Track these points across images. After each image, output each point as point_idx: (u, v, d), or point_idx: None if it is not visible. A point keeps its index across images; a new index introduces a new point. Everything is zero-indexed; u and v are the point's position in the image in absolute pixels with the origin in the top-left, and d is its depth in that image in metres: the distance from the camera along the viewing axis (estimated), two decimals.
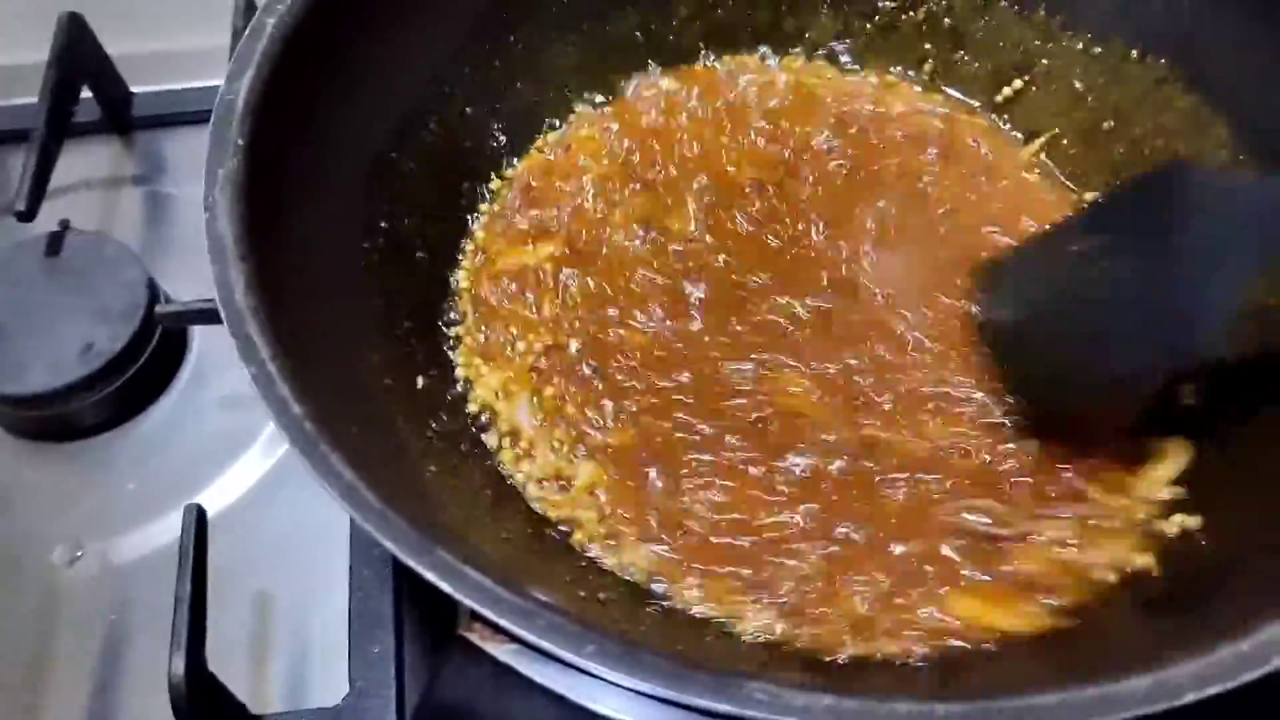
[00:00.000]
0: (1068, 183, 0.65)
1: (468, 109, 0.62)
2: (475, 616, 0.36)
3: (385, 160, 0.57)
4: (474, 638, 0.35)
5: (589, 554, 0.51)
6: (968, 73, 0.69)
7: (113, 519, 0.66)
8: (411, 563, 0.35)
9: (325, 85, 0.52)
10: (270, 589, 0.63)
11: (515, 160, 0.65)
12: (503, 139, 0.64)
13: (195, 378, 0.71)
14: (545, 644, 0.34)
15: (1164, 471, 0.52)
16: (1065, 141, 0.66)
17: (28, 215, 0.67)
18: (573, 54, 0.66)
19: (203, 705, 0.51)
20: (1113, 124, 0.63)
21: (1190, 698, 0.34)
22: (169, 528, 0.63)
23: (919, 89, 0.69)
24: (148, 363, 0.68)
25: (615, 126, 0.66)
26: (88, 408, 0.67)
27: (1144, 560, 0.49)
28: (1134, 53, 0.62)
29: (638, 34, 0.68)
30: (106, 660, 0.61)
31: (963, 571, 0.50)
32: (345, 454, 0.39)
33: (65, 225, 0.71)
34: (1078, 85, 0.65)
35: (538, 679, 0.35)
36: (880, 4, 0.69)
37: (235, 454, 0.68)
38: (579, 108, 0.68)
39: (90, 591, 0.63)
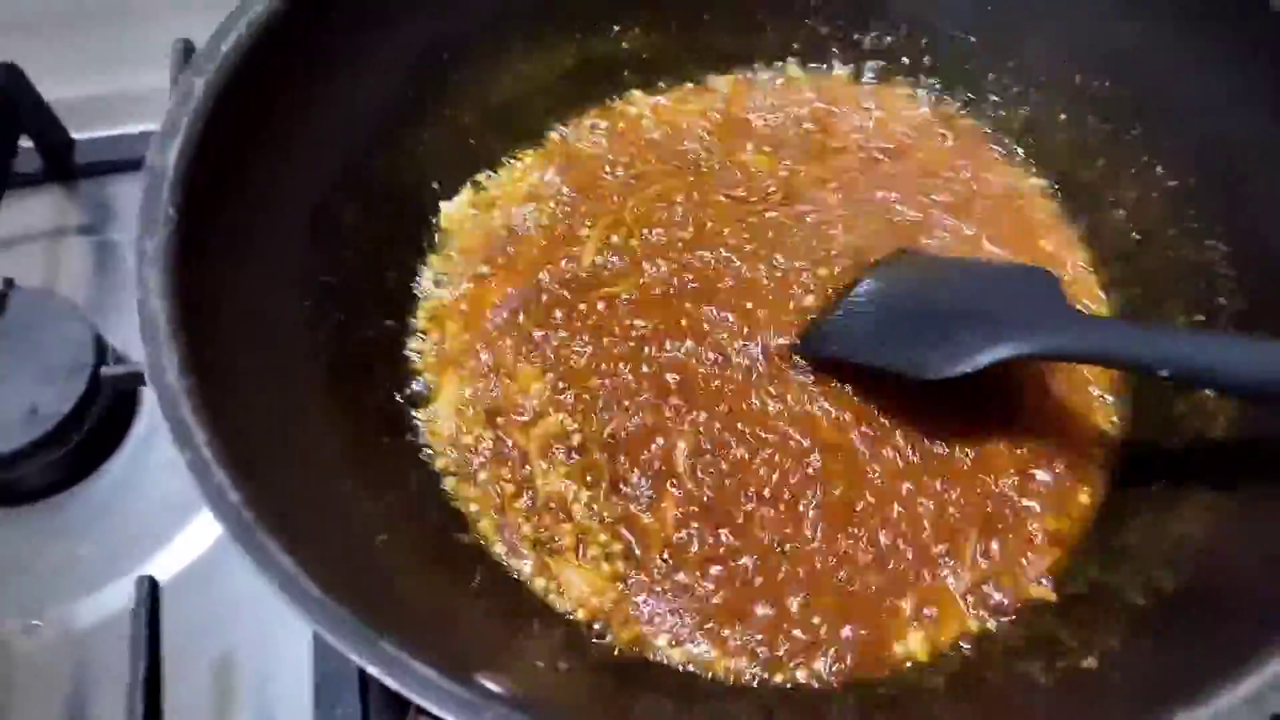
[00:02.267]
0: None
1: (404, 153, 0.61)
2: (423, 712, 0.35)
3: (325, 211, 0.56)
4: None
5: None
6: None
7: (67, 585, 0.64)
8: (354, 657, 0.35)
9: (260, 143, 0.51)
10: (231, 651, 0.62)
11: (452, 200, 0.64)
12: (439, 182, 0.63)
13: (148, 435, 0.70)
14: None
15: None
16: None
17: None
18: (512, 91, 0.65)
19: None
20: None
21: None
22: (125, 592, 0.61)
23: None
24: (97, 423, 0.67)
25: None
26: (35, 472, 0.65)
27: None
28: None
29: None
30: None
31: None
32: (285, 539, 0.38)
33: (9, 284, 0.69)
34: None
35: None
36: None
37: (191, 513, 0.67)
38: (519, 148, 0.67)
39: (47, 661, 0.62)
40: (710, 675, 0.49)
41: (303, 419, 0.49)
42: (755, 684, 0.49)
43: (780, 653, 0.50)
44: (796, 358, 0.58)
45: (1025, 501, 0.54)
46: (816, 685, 0.49)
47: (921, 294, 0.57)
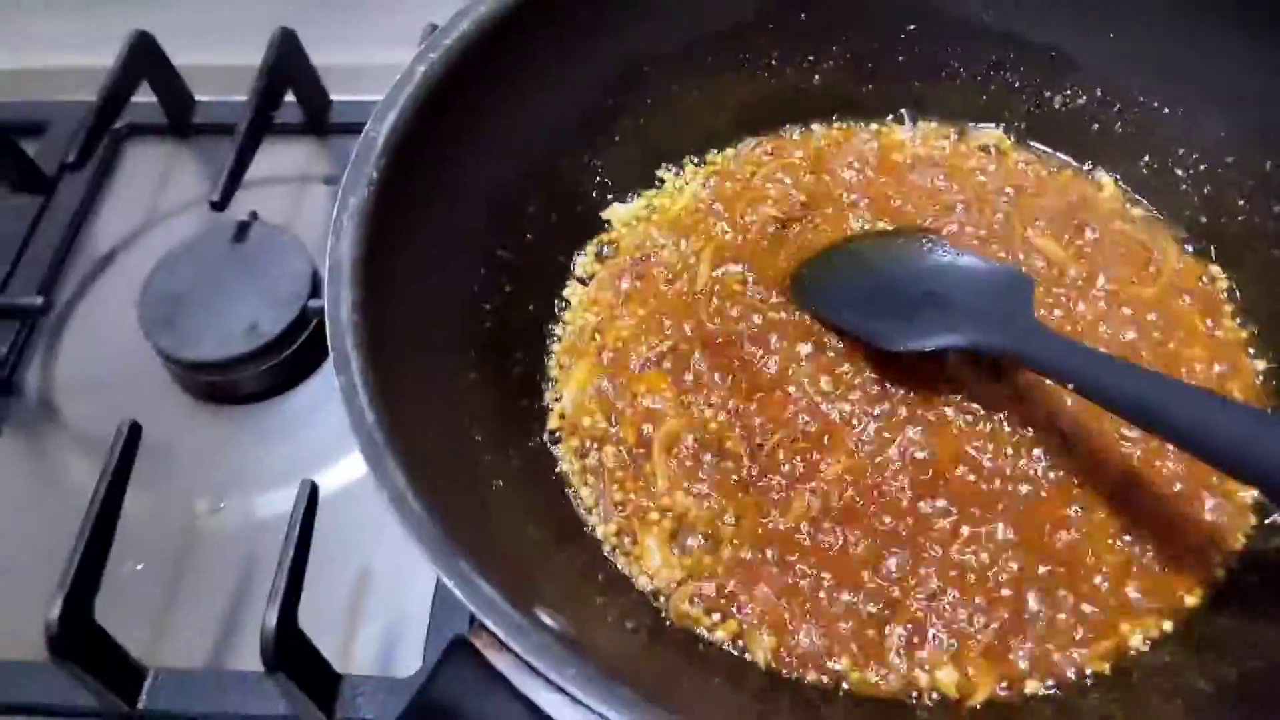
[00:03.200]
0: None
1: (590, 156, 0.67)
2: (483, 626, 0.40)
3: (509, 197, 0.62)
4: (478, 644, 0.40)
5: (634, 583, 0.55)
6: None
7: (253, 480, 0.74)
8: (434, 567, 0.41)
9: (461, 129, 0.58)
10: (371, 564, 0.70)
11: (625, 204, 0.69)
12: (614, 185, 0.69)
13: None
14: (533, 660, 0.39)
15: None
16: None
17: (220, 206, 0.77)
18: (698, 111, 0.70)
19: (290, 658, 0.58)
20: None
21: None
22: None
23: None
24: (302, 347, 0.77)
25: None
26: (247, 379, 0.76)
27: None
28: None
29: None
30: (231, 604, 0.69)
31: None
32: (405, 463, 0.44)
33: (253, 216, 0.81)
34: None
35: (524, 691, 0.39)
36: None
37: None
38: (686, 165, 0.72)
39: (226, 541, 0.72)
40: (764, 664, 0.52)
41: (450, 371, 0.55)
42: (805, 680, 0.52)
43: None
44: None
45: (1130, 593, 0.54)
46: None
47: (907, 273, 0.61)
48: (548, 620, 0.41)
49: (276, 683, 0.59)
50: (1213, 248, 0.65)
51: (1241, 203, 0.63)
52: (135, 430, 0.66)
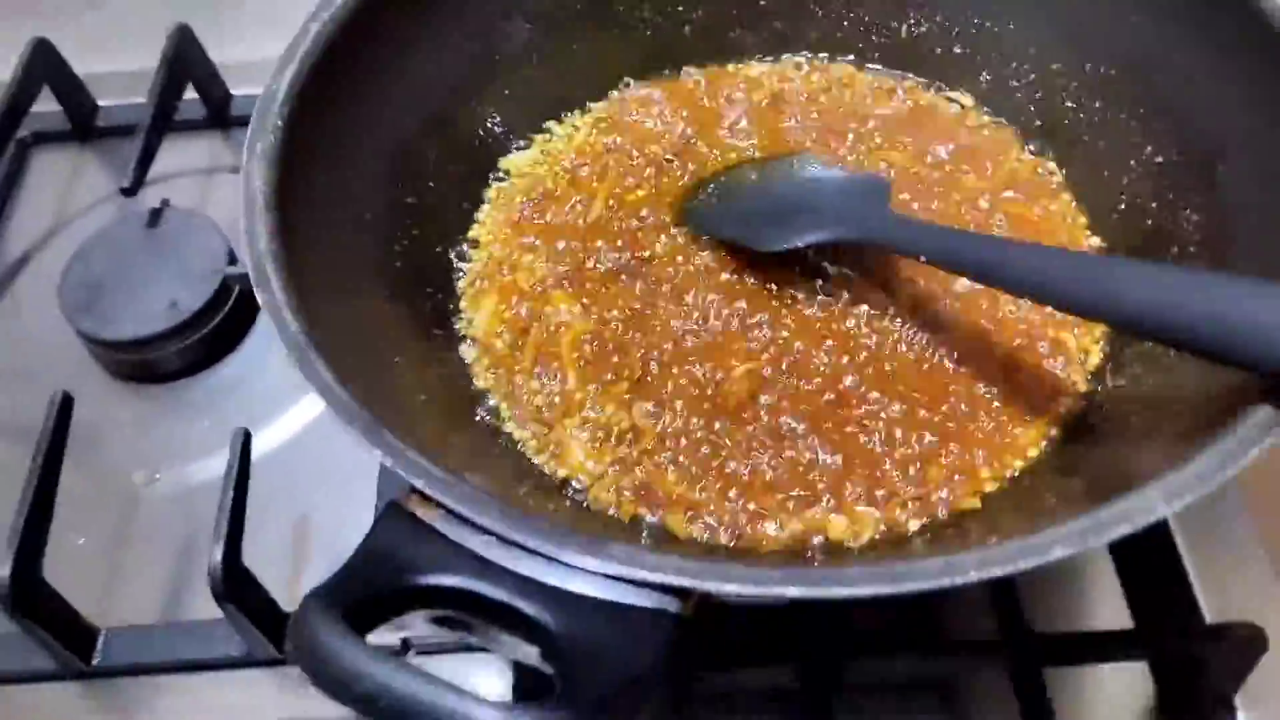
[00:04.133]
0: None
1: (484, 105, 0.72)
2: (413, 490, 0.45)
3: (411, 146, 0.67)
4: (408, 505, 0.45)
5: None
6: None
7: (186, 450, 0.77)
8: (363, 442, 0.45)
9: (357, 83, 0.63)
10: (310, 513, 0.74)
11: (523, 151, 0.75)
12: (510, 132, 0.74)
13: (264, 336, 0.83)
14: (460, 508, 0.43)
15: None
16: None
17: (131, 191, 0.80)
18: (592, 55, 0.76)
19: (237, 594, 0.62)
20: None
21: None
22: None
23: None
24: (224, 320, 0.80)
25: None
26: (170, 355, 0.79)
27: None
28: None
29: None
30: (176, 564, 0.72)
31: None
32: (330, 359, 0.48)
33: (165, 203, 0.84)
34: None
35: (452, 536, 0.43)
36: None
37: (291, 401, 0.79)
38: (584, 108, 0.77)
39: (165, 508, 0.75)
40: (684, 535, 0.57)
41: (366, 302, 0.60)
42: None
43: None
44: None
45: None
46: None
47: (781, 189, 0.69)
48: (470, 479, 0.45)
49: (228, 616, 0.62)
50: (1049, 147, 0.72)
51: (1069, 104, 0.71)
52: (68, 401, 0.68)
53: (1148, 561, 0.67)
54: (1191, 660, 0.63)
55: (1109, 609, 0.67)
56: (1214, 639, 0.62)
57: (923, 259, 0.57)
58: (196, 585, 0.71)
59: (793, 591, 0.41)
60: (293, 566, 0.72)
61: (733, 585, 0.41)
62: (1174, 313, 0.45)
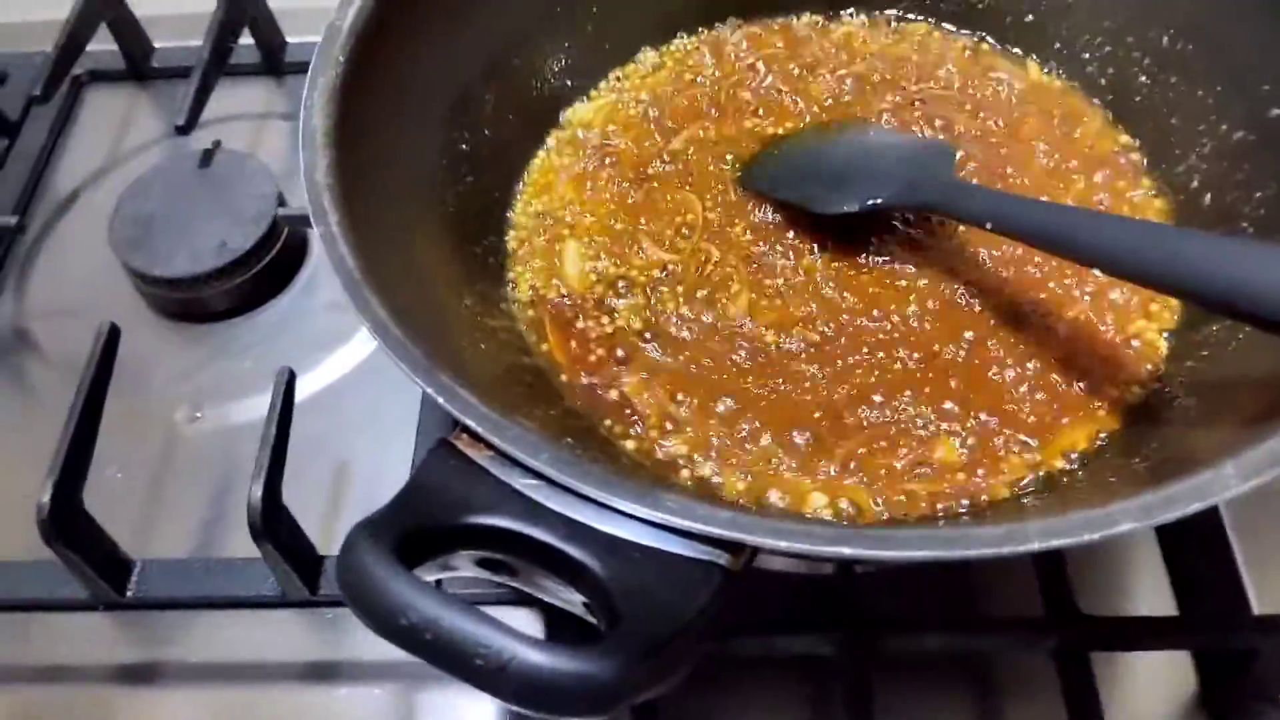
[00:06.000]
0: None
1: (545, 60, 0.72)
2: (463, 429, 0.44)
3: (469, 92, 0.66)
4: (458, 444, 0.44)
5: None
6: None
7: (229, 390, 0.77)
8: (417, 379, 0.44)
9: (418, 23, 0.62)
10: (349, 459, 0.74)
11: (584, 100, 0.74)
12: (571, 82, 0.73)
13: (311, 280, 0.83)
14: (511, 449, 0.43)
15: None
16: None
17: (185, 130, 0.80)
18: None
19: (275, 533, 0.61)
20: None
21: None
22: None
23: None
24: (272, 262, 0.80)
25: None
26: (218, 295, 0.79)
27: None
28: None
29: None
30: (214, 501, 0.73)
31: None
32: (385, 298, 0.48)
33: (217, 144, 0.84)
34: None
35: (502, 477, 0.43)
36: None
37: (335, 346, 0.79)
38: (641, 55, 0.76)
39: (205, 447, 0.75)
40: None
41: (421, 237, 0.59)
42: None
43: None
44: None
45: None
46: None
47: (844, 153, 0.67)
48: (521, 421, 0.44)
49: (265, 555, 0.62)
50: (1120, 121, 0.70)
51: (1143, 78, 0.69)
52: (115, 331, 0.68)
53: (1195, 548, 0.65)
54: (1238, 652, 0.61)
55: (1153, 595, 0.66)
56: (1263, 630, 0.60)
57: (988, 226, 0.55)
58: (234, 524, 0.71)
59: (846, 551, 0.40)
60: (330, 510, 0.72)
61: (785, 541, 0.41)
62: (1245, 286, 0.44)
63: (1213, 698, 0.62)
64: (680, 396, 0.60)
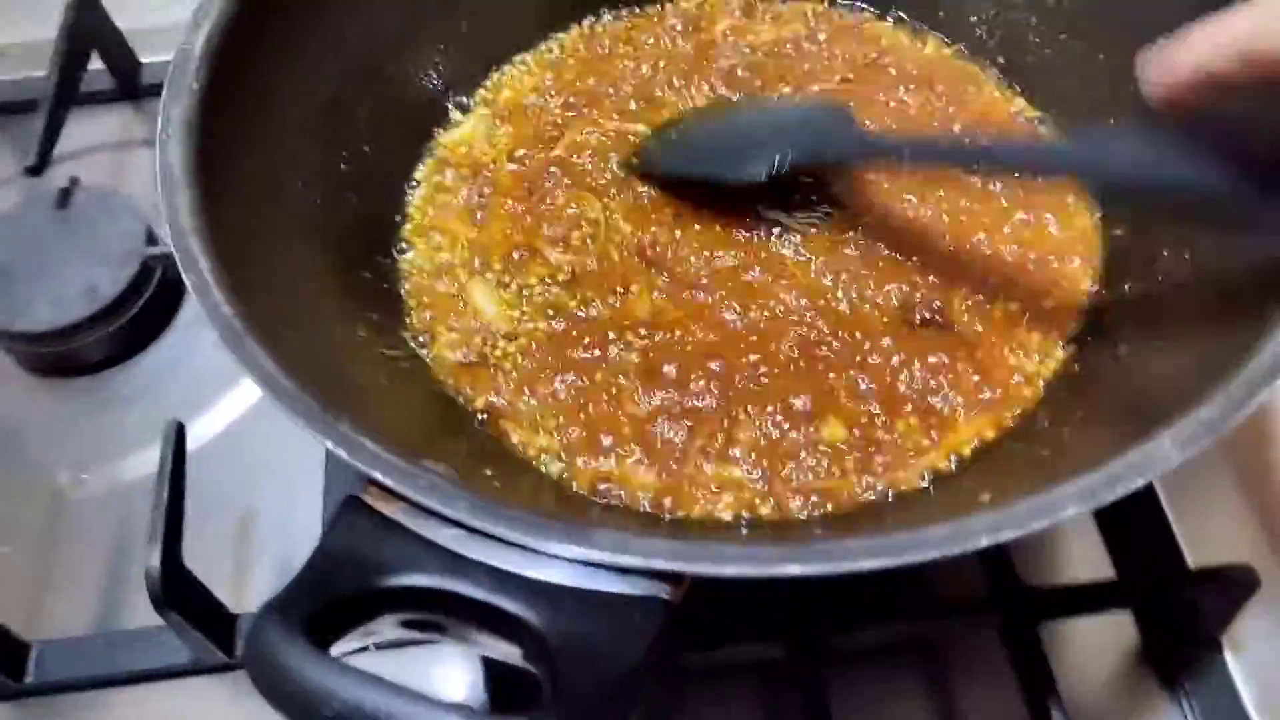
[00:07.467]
0: None
1: (423, 62, 0.68)
2: (371, 483, 0.41)
3: (339, 104, 0.62)
4: (368, 498, 0.41)
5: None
6: None
7: (115, 446, 0.72)
8: (317, 436, 0.41)
9: (277, 39, 0.57)
10: (254, 507, 0.69)
11: (461, 116, 0.70)
12: (447, 88, 0.69)
13: (194, 318, 0.77)
14: (425, 500, 0.39)
15: None
16: None
17: (37, 170, 0.74)
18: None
19: (179, 599, 0.57)
20: None
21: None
22: None
23: None
24: (147, 304, 0.75)
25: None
26: (91, 345, 0.73)
27: None
28: None
29: None
30: (111, 570, 0.67)
31: None
32: (269, 347, 0.44)
33: (74, 182, 0.78)
34: None
35: (419, 531, 0.39)
36: None
37: (227, 387, 0.74)
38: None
39: (94, 510, 0.70)
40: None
41: (305, 270, 0.55)
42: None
43: None
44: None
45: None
46: None
47: (745, 124, 0.67)
48: (432, 467, 0.41)
49: (171, 624, 0.57)
50: (1015, 84, 0.70)
51: (1034, 39, 0.68)
52: None
53: (1127, 510, 0.65)
54: (1179, 604, 0.62)
55: (1089, 560, 0.66)
56: (1204, 582, 0.60)
57: (906, 155, 0.57)
58: (135, 589, 0.65)
59: (793, 569, 0.38)
60: (239, 564, 0.67)
61: (730, 567, 0.38)
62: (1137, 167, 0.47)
63: (1155, 651, 0.63)
64: (587, 405, 0.57)
